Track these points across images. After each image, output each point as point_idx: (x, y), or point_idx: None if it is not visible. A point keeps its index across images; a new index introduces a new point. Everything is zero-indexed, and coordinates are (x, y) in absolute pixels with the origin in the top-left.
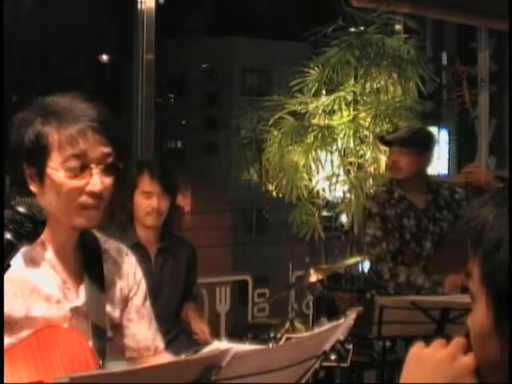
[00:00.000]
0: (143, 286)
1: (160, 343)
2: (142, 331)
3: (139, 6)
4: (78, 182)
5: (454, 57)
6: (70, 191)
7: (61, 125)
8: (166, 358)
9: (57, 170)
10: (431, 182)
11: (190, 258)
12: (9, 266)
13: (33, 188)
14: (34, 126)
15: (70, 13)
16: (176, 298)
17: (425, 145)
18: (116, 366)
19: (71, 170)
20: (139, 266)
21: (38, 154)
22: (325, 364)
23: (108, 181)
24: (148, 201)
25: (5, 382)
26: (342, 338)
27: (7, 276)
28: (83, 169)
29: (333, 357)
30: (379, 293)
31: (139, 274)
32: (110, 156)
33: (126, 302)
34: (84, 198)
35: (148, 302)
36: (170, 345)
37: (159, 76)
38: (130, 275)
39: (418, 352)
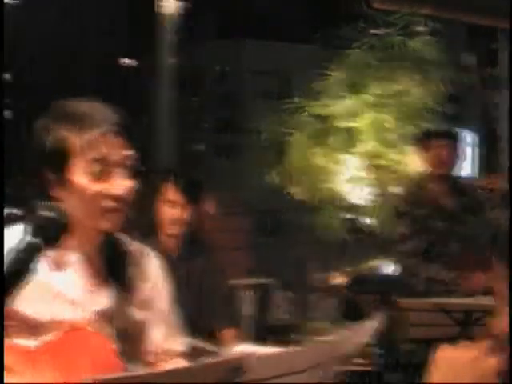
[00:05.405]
0: (165, 290)
1: (179, 347)
2: (160, 336)
3: (161, 11)
4: (100, 186)
5: (477, 58)
6: (92, 195)
7: (81, 129)
8: (180, 363)
9: (79, 174)
10: (458, 183)
11: (214, 264)
12: (33, 270)
13: (56, 193)
14: (55, 132)
15: (92, 16)
16: (200, 306)
17: (459, 139)
18: (136, 370)
19: (93, 174)
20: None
21: (59, 160)
22: (351, 368)
23: (130, 183)
24: (172, 210)
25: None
26: (368, 341)
27: (32, 279)
28: (105, 172)
29: (359, 360)
30: (403, 295)
31: (162, 278)
32: (131, 159)
33: (149, 305)
34: (107, 202)
35: (170, 307)
36: (192, 350)
37: (180, 79)
38: (154, 278)
39: (443, 354)
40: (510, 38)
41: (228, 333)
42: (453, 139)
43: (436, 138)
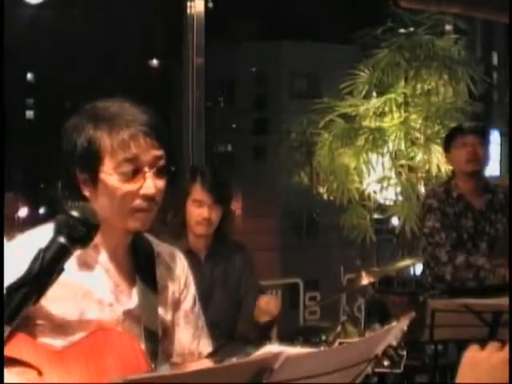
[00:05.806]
0: (192, 290)
1: (204, 348)
2: (187, 337)
3: (188, 11)
4: (131, 186)
5: (505, 57)
6: (124, 195)
7: (112, 130)
8: (206, 364)
9: (110, 174)
10: (488, 183)
11: (243, 264)
12: (62, 269)
13: (86, 193)
14: (86, 132)
15: (120, 18)
16: (229, 306)
17: (488, 136)
18: (161, 370)
19: (124, 174)
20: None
21: (91, 160)
22: (377, 370)
23: (161, 183)
24: (199, 209)
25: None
26: (394, 343)
27: (60, 279)
28: (136, 172)
29: (386, 363)
30: (431, 296)
31: (190, 279)
32: (161, 159)
33: (176, 305)
34: (138, 202)
35: (197, 307)
36: (220, 350)
37: (208, 80)
38: (182, 279)
39: (473, 356)
40: (509, 37)
41: None
42: (481, 136)
43: (465, 135)
